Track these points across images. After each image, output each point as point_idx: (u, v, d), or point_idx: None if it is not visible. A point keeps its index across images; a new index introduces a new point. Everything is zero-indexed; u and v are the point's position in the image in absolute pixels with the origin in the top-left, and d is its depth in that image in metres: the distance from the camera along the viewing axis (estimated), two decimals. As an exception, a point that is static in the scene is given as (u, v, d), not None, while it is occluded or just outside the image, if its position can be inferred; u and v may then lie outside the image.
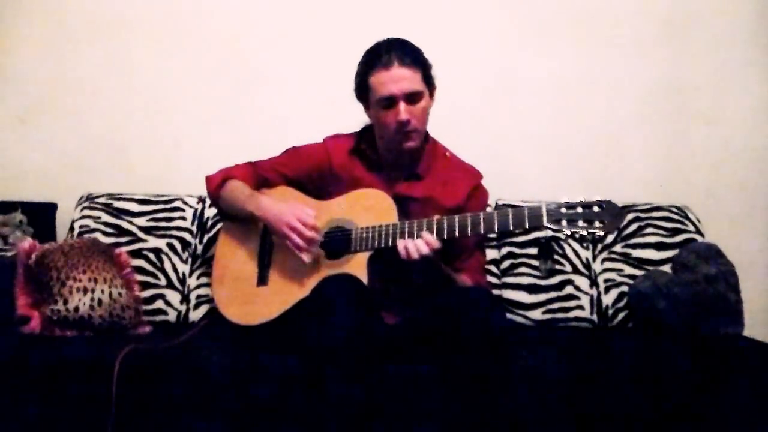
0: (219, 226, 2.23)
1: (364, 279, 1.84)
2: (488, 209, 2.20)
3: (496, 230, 1.78)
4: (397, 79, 1.88)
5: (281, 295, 1.94)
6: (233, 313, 2.00)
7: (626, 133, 2.71)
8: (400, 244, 1.80)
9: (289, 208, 1.92)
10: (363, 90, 1.96)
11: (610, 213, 1.67)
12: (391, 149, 1.98)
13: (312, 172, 2.06)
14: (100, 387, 1.80)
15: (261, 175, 2.08)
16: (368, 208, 1.93)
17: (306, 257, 1.90)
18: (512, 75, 2.69)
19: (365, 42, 1.97)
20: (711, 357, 2.02)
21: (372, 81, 1.91)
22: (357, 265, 1.87)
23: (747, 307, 2.30)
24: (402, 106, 1.89)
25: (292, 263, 1.94)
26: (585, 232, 1.68)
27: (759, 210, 2.71)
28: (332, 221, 1.96)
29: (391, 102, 1.89)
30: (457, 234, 1.79)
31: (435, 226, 1.80)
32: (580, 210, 1.69)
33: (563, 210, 1.69)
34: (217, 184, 2.06)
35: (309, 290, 1.87)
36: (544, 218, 1.70)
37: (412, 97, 1.90)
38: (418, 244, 1.77)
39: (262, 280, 2.00)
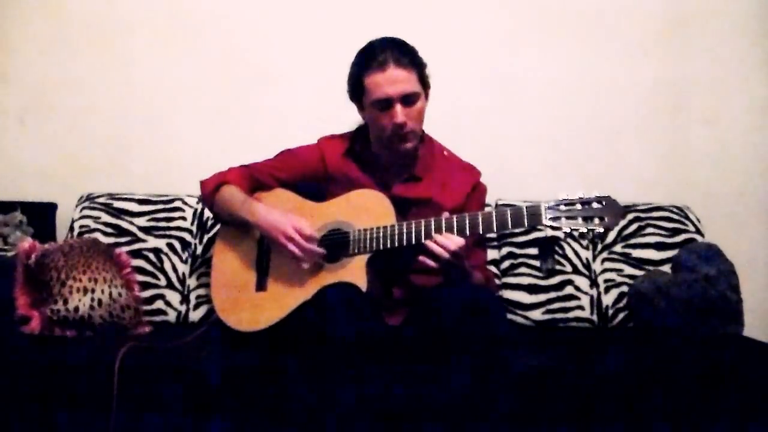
0: (217, 227, 2.23)
1: (363, 286, 1.83)
2: (488, 208, 2.20)
3: (495, 230, 1.78)
4: (393, 80, 1.86)
5: (281, 301, 1.93)
6: (234, 320, 2.00)
7: (626, 133, 2.71)
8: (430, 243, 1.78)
9: (284, 218, 1.91)
10: (357, 91, 1.93)
11: (610, 209, 1.67)
12: (387, 151, 1.98)
13: (307, 174, 2.05)
14: (100, 387, 1.80)
15: (256, 179, 2.07)
16: (366, 209, 1.92)
17: (305, 265, 1.90)
18: (512, 75, 2.69)
19: (366, 41, 1.96)
20: (711, 357, 2.02)
21: (367, 82, 1.89)
22: (355, 271, 1.86)
23: (747, 307, 2.30)
24: (398, 108, 1.87)
25: (290, 268, 1.94)
26: (584, 230, 1.67)
27: (759, 210, 2.71)
28: (330, 223, 1.96)
29: (386, 104, 1.88)
30: (455, 234, 1.78)
31: (433, 227, 1.79)
32: (579, 207, 1.68)
33: (562, 207, 1.69)
34: (211, 189, 2.05)
35: (308, 295, 1.87)
36: (543, 217, 1.70)
37: (408, 99, 1.88)
38: (444, 242, 1.75)
39: (261, 285, 2.00)
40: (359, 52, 1.94)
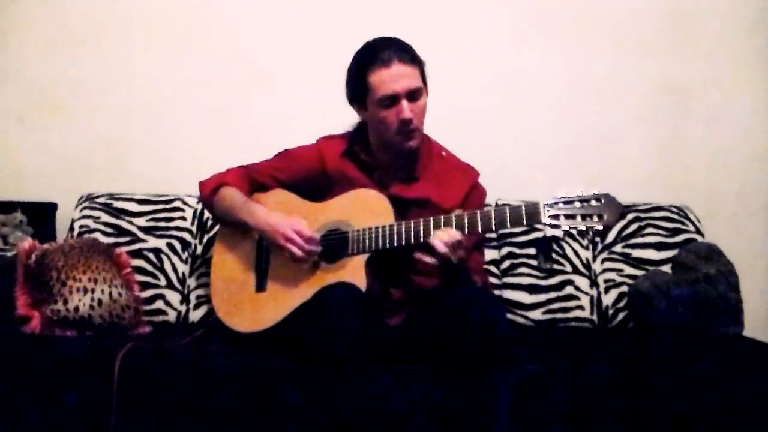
0: (217, 228, 2.23)
1: (362, 286, 1.83)
2: (487, 208, 2.19)
3: (494, 229, 1.77)
4: (399, 76, 1.86)
5: (280, 302, 1.93)
6: (233, 321, 2.00)
7: (626, 133, 2.71)
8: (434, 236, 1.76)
9: (283, 220, 1.91)
10: (360, 91, 1.93)
11: (609, 206, 1.67)
12: (390, 150, 1.97)
13: (306, 174, 2.05)
14: (100, 387, 1.80)
15: (255, 180, 2.07)
16: (365, 209, 1.92)
17: (305, 266, 1.90)
18: (512, 75, 2.69)
19: (365, 41, 1.96)
20: (711, 357, 2.02)
21: (372, 80, 1.88)
22: (354, 271, 1.86)
23: (747, 307, 2.30)
24: (404, 103, 1.87)
25: (289, 269, 1.94)
26: (583, 228, 1.67)
27: (759, 210, 2.71)
28: (329, 223, 1.96)
29: (393, 101, 1.87)
30: (454, 233, 1.78)
31: (432, 226, 1.79)
32: (578, 205, 1.68)
33: (561, 206, 1.69)
34: (210, 190, 2.04)
35: (308, 296, 1.87)
36: (542, 215, 1.70)
37: (413, 95, 1.88)
38: (440, 235, 1.74)
39: (261, 286, 2.00)
40: (359, 52, 1.94)
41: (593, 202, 1.68)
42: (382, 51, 1.88)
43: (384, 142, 1.97)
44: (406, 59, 1.88)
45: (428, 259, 1.78)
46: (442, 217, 1.79)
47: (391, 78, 1.86)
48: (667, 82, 2.71)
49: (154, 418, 1.84)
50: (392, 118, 1.89)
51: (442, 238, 1.74)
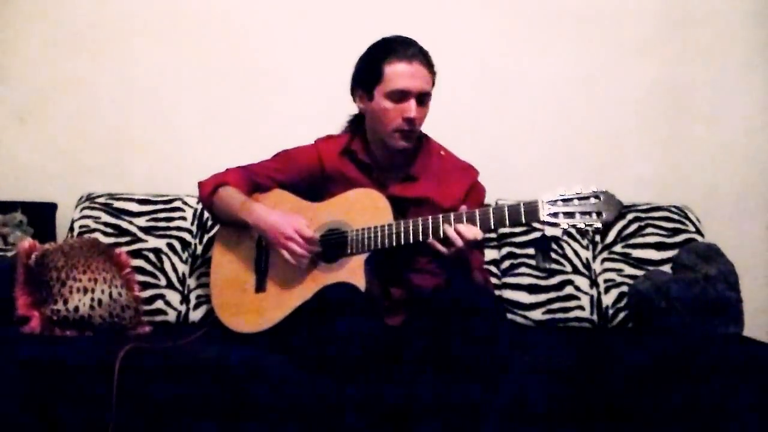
0: (216, 228, 2.23)
1: (361, 286, 1.83)
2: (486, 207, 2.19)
3: (493, 227, 1.77)
4: (417, 75, 1.87)
5: (280, 302, 1.93)
6: (234, 322, 2.00)
7: (626, 133, 2.71)
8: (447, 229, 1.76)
9: (283, 219, 1.91)
10: (372, 77, 1.90)
11: (607, 204, 1.67)
12: (384, 146, 1.96)
13: (304, 175, 2.05)
14: (100, 387, 1.80)
15: (254, 180, 2.06)
16: (363, 208, 1.92)
17: (304, 265, 1.90)
18: (512, 75, 2.70)
19: (366, 42, 1.96)
20: (711, 357, 2.02)
21: (388, 70, 1.87)
22: (353, 271, 1.86)
23: (747, 307, 2.30)
24: (413, 103, 1.87)
25: (288, 269, 1.94)
26: (582, 225, 1.67)
27: (759, 210, 2.71)
28: (328, 223, 1.96)
29: (403, 96, 1.87)
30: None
31: (431, 225, 1.79)
32: (576, 202, 1.68)
33: (559, 204, 1.69)
34: (209, 190, 2.04)
35: (307, 296, 1.87)
36: (541, 213, 1.70)
37: (422, 98, 1.89)
38: (462, 229, 1.74)
39: (260, 286, 2.00)
40: (381, 41, 1.93)
41: (592, 200, 1.68)
42: (406, 47, 1.88)
43: (379, 137, 1.96)
44: (425, 62, 1.89)
45: (441, 249, 1.76)
46: (440, 216, 1.79)
47: (410, 74, 1.86)
48: (666, 82, 2.71)
49: (154, 418, 1.84)
50: (395, 114, 1.89)
51: (464, 234, 1.74)
